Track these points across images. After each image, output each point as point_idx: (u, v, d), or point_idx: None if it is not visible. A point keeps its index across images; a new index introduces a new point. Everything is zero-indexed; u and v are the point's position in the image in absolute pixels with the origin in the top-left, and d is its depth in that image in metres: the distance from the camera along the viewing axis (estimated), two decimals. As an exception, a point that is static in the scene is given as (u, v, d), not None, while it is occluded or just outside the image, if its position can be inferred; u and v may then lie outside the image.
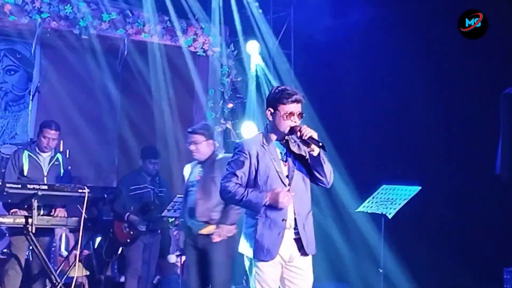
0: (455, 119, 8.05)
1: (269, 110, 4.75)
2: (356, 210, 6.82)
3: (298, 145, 4.79)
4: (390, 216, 6.62)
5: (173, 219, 8.67)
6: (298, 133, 4.61)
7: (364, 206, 6.75)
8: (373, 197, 6.75)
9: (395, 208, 6.63)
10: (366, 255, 7.46)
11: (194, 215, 6.21)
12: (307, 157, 4.77)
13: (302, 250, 4.72)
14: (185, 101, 10.21)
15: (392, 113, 8.43)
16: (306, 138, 4.57)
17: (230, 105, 9.99)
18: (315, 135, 4.59)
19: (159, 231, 8.23)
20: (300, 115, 4.71)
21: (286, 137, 4.75)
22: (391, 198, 6.67)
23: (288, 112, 4.65)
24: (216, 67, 9.95)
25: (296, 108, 4.67)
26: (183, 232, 6.40)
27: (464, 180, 7.82)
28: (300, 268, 4.75)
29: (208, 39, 9.78)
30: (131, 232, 7.90)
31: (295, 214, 4.70)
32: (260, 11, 10.09)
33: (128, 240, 7.91)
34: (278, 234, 4.65)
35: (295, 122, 4.67)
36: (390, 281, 6.75)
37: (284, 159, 4.74)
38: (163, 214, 7.82)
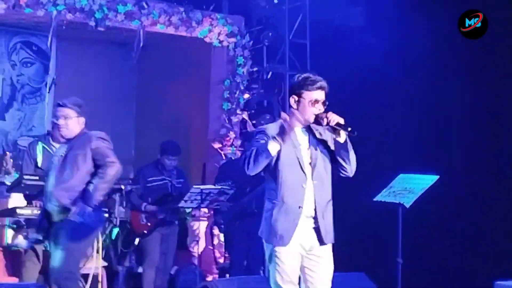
0: (476, 110, 8.00)
1: (293, 98, 4.74)
2: (374, 200, 6.79)
3: (320, 133, 4.78)
4: (407, 206, 6.58)
5: (190, 210, 8.69)
6: (325, 120, 4.59)
7: (381, 195, 6.72)
8: (390, 186, 6.72)
9: (413, 197, 6.60)
10: (384, 245, 7.43)
11: (52, 198, 5.85)
12: (331, 144, 4.76)
13: (321, 239, 4.71)
14: (201, 92, 10.23)
15: (411, 102, 8.38)
16: (333, 124, 4.55)
17: (246, 96, 9.98)
18: (341, 121, 4.57)
19: (176, 222, 8.24)
20: (324, 102, 4.69)
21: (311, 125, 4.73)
22: (408, 187, 6.63)
23: (313, 100, 4.65)
24: (231, 57, 9.94)
25: (320, 95, 4.67)
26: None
27: (482, 169, 7.77)
28: (319, 257, 4.74)
29: (224, 29, 9.77)
30: (148, 224, 7.91)
31: (315, 203, 4.68)
32: (276, 1, 10.07)
33: (145, 232, 7.93)
34: (293, 221, 4.64)
35: (319, 109, 4.66)
36: (408, 271, 6.72)
37: (307, 147, 4.73)
38: (180, 205, 7.83)
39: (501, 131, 7.32)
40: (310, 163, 4.70)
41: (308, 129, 4.77)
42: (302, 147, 4.72)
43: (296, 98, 4.71)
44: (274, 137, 4.52)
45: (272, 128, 4.71)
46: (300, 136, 4.74)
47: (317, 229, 4.70)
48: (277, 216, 4.66)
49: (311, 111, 4.66)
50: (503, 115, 7.50)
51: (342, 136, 4.60)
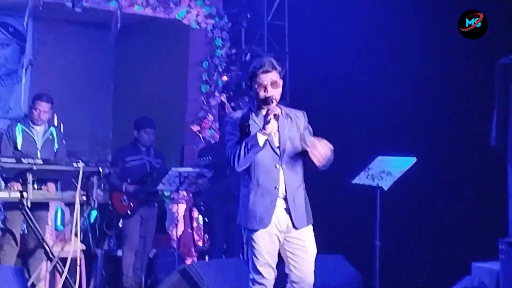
0: (451, 91, 8.03)
1: (247, 85, 4.82)
2: (352, 182, 6.81)
3: (291, 117, 4.80)
4: (386, 188, 6.61)
5: (168, 193, 8.67)
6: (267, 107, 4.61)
7: (359, 178, 6.74)
8: (368, 169, 6.73)
9: (391, 180, 6.62)
10: (362, 228, 7.46)
11: None
12: (302, 130, 4.78)
13: (292, 223, 4.74)
14: (179, 74, 10.18)
15: (390, 84, 8.39)
16: (270, 116, 4.54)
17: (225, 78, 9.96)
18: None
19: (155, 204, 8.22)
20: (275, 84, 4.70)
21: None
22: (386, 170, 6.65)
23: (260, 83, 4.67)
24: (210, 39, 9.89)
25: (266, 78, 4.66)
26: None
27: (460, 150, 7.80)
28: (299, 239, 4.76)
29: (202, 11, 9.73)
30: (131, 203, 7.90)
31: (285, 186, 4.70)
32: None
33: (129, 212, 7.92)
34: (270, 202, 4.67)
35: (267, 92, 4.66)
36: (386, 254, 6.76)
37: (276, 130, 4.73)
38: (158, 188, 7.81)
39: (482, 116, 7.34)
40: (278, 147, 4.71)
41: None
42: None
43: (249, 84, 4.78)
44: (260, 130, 4.55)
45: (239, 114, 4.80)
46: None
47: (287, 211, 4.72)
48: (254, 199, 4.69)
49: (260, 95, 4.70)
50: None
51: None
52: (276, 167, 4.70)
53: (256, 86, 4.70)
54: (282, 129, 4.75)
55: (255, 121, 4.74)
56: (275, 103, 4.62)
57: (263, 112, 4.72)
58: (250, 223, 4.70)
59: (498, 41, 6.95)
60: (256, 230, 4.69)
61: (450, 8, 7.43)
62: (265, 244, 4.71)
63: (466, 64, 7.76)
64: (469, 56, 7.61)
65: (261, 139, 4.54)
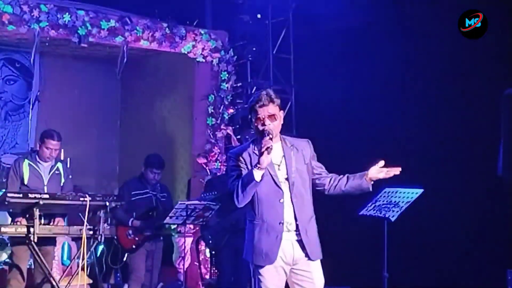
0: (456, 119, 8.03)
1: (249, 118, 4.80)
2: (359, 214, 6.79)
3: (297, 149, 4.80)
4: (393, 220, 6.59)
5: (175, 225, 8.65)
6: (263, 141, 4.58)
7: (366, 209, 6.72)
8: (375, 200, 6.72)
9: (397, 211, 6.60)
10: (370, 259, 7.42)
11: None
12: (308, 160, 4.78)
13: (307, 255, 4.70)
14: (185, 108, 10.22)
15: (394, 115, 8.41)
16: (264, 151, 4.50)
17: (231, 111, 9.99)
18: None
19: (161, 238, 8.21)
20: (273, 117, 4.70)
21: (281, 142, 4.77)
22: (393, 201, 6.63)
23: (257, 117, 4.69)
24: (215, 73, 9.94)
25: (263, 112, 4.67)
26: None
27: (467, 181, 7.79)
28: (307, 271, 4.73)
29: (208, 45, 9.78)
30: (136, 238, 7.89)
31: (296, 220, 4.68)
32: (259, 16, 10.10)
33: (134, 246, 7.89)
34: (276, 238, 4.64)
35: (263, 125, 4.66)
36: (394, 285, 6.72)
37: (280, 162, 4.73)
38: (165, 221, 7.80)
39: (489, 144, 7.34)
40: (286, 179, 4.71)
41: (284, 144, 4.79)
42: (274, 164, 4.72)
43: (250, 118, 4.79)
44: (255, 165, 4.52)
45: (240, 150, 4.79)
46: (274, 152, 4.69)
47: (300, 243, 4.69)
48: (259, 236, 4.67)
49: (258, 129, 4.70)
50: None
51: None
52: (279, 201, 4.68)
53: (254, 119, 4.72)
54: (289, 161, 4.73)
55: (256, 154, 4.74)
56: (270, 136, 4.62)
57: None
58: (256, 259, 4.68)
59: (498, 42, 6.98)
60: (263, 266, 4.69)
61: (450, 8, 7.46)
62: (272, 278, 4.69)
63: (472, 93, 7.78)
64: (476, 83, 7.63)
65: (256, 174, 4.51)
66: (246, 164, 4.70)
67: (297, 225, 4.68)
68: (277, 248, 4.64)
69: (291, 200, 4.69)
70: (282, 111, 4.83)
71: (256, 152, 4.67)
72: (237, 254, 7.63)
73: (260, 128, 4.68)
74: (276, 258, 4.64)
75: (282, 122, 4.79)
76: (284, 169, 4.73)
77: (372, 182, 4.86)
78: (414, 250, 7.99)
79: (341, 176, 4.90)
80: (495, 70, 7.47)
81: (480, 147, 7.48)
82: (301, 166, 4.78)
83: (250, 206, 4.71)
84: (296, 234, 4.69)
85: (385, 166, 4.83)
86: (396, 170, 4.84)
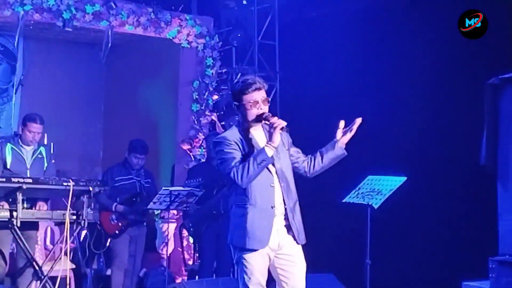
0: (440, 109, 8.06)
1: (235, 104, 4.84)
2: (342, 201, 6.82)
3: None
4: (376, 207, 6.62)
5: (158, 211, 8.66)
6: (268, 122, 4.66)
7: (349, 197, 6.75)
8: (359, 188, 6.75)
9: (381, 199, 6.63)
10: (353, 246, 7.46)
11: None
12: (286, 145, 4.83)
13: (291, 238, 4.75)
14: (169, 93, 10.20)
15: (378, 103, 8.42)
16: (279, 128, 4.60)
17: (215, 97, 9.97)
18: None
19: (145, 224, 8.21)
20: (266, 101, 4.77)
21: (263, 127, 4.81)
22: (376, 189, 6.67)
23: (252, 101, 4.72)
24: (200, 58, 9.92)
25: (259, 95, 4.73)
26: None
27: (450, 170, 7.83)
28: (291, 255, 4.77)
29: (193, 30, 9.75)
30: (119, 223, 7.89)
31: (284, 204, 4.73)
32: (245, 2, 10.08)
33: (117, 232, 7.90)
34: (268, 222, 4.69)
35: (261, 109, 4.73)
36: (376, 272, 6.76)
37: None
38: (149, 207, 7.81)
39: (472, 133, 7.38)
40: (273, 164, 4.74)
41: (266, 132, 4.81)
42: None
43: (237, 104, 4.81)
44: (267, 144, 4.61)
45: (230, 134, 4.80)
46: (260, 138, 4.80)
47: (288, 227, 4.75)
48: (252, 219, 4.67)
49: (253, 112, 4.74)
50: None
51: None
52: (271, 185, 4.73)
53: (247, 104, 4.73)
54: (276, 149, 4.77)
55: (254, 138, 4.77)
56: (275, 117, 4.67)
57: (255, 129, 4.78)
58: (249, 243, 4.68)
59: (498, 42, 7.00)
60: (251, 250, 4.69)
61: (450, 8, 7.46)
62: (257, 264, 4.71)
63: (455, 84, 7.81)
64: (460, 76, 7.66)
65: (269, 152, 4.60)
66: (239, 148, 4.72)
67: (285, 209, 4.74)
68: (269, 232, 4.69)
69: (280, 185, 4.74)
70: None
71: (253, 136, 4.75)
72: (218, 240, 7.67)
73: (256, 112, 4.73)
74: (268, 242, 4.66)
75: None
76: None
77: (344, 146, 4.97)
78: (396, 238, 8.03)
79: (315, 154, 4.96)
80: (495, 70, 7.50)
81: (464, 136, 7.51)
82: (283, 151, 4.84)
83: (240, 191, 4.72)
84: (284, 219, 4.75)
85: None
86: (357, 122, 5.03)
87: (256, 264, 4.71)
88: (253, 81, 4.76)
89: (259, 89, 4.74)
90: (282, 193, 4.74)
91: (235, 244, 4.78)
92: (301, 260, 4.83)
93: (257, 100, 4.72)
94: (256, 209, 4.68)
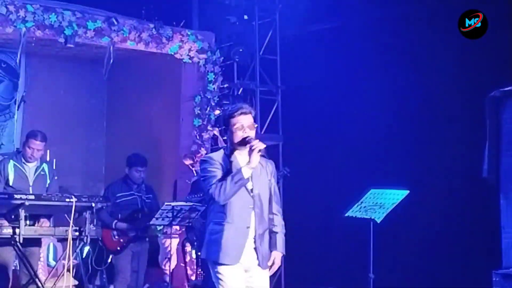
0: (443, 122, 8.06)
1: (223, 128, 5.07)
2: (345, 215, 6.80)
3: (261, 163, 4.97)
4: (378, 221, 6.61)
5: (161, 227, 8.64)
6: (249, 145, 4.81)
7: (352, 211, 6.74)
8: (361, 202, 6.74)
9: (383, 213, 6.62)
10: (356, 260, 7.44)
11: None
12: (270, 176, 5.01)
13: (259, 262, 4.93)
14: (172, 109, 10.20)
15: (380, 116, 8.44)
16: (257, 151, 4.76)
17: (217, 112, 9.98)
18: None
19: (147, 239, 8.19)
20: (252, 126, 4.92)
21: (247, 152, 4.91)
22: (379, 203, 6.66)
23: (238, 124, 4.87)
24: (202, 73, 9.94)
25: (244, 119, 4.89)
26: None
27: (452, 183, 7.83)
28: (253, 277, 4.94)
29: (194, 45, 9.77)
30: (121, 240, 7.87)
31: (255, 228, 4.90)
32: (246, 17, 10.11)
33: (119, 248, 7.88)
34: (242, 240, 4.87)
35: (245, 132, 4.88)
36: (380, 286, 6.74)
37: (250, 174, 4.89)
38: (151, 223, 7.79)
39: (475, 148, 7.38)
40: (251, 189, 4.90)
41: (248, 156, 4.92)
42: None
43: (225, 128, 5.00)
44: (246, 165, 4.77)
45: (215, 156, 4.95)
46: (242, 160, 4.91)
47: (255, 250, 4.90)
48: (227, 236, 4.83)
49: (238, 135, 4.87)
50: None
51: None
52: (249, 207, 4.88)
53: (233, 127, 4.87)
54: (255, 172, 4.91)
55: (236, 159, 4.91)
56: (257, 140, 4.79)
57: (239, 153, 4.91)
58: (223, 258, 4.83)
59: (497, 43, 7.01)
60: (224, 265, 4.82)
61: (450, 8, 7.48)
62: (234, 279, 4.86)
63: (459, 95, 7.81)
64: (462, 88, 7.67)
65: (246, 173, 4.76)
66: (222, 168, 4.87)
67: (256, 233, 4.90)
68: (242, 249, 4.87)
69: (254, 209, 4.90)
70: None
71: (236, 158, 4.89)
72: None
73: (241, 135, 4.88)
74: (240, 259, 4.83)
75: None
76: (251, 179, 4.90)
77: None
78: (399, 251, 8.01)
79: (276, 234, 5.05)
80: (495, 70, 7.50)
81: (466, 149, 7.52)
82: (264, 180, 5.01)
83: (219, 208, 4.89)
84: (254, 242, 4.92)
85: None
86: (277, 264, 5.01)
87: (232, 280, 4.85)
88: (241, 106, 4.94)
89: (245, 113, 4.90)
90: (255, 217, 4.89)
91: (209, 257, 4.94)
92: (263, 284, 4.97)
93: (243, 123, 4.87)
94: (232, 227, 4.85)
